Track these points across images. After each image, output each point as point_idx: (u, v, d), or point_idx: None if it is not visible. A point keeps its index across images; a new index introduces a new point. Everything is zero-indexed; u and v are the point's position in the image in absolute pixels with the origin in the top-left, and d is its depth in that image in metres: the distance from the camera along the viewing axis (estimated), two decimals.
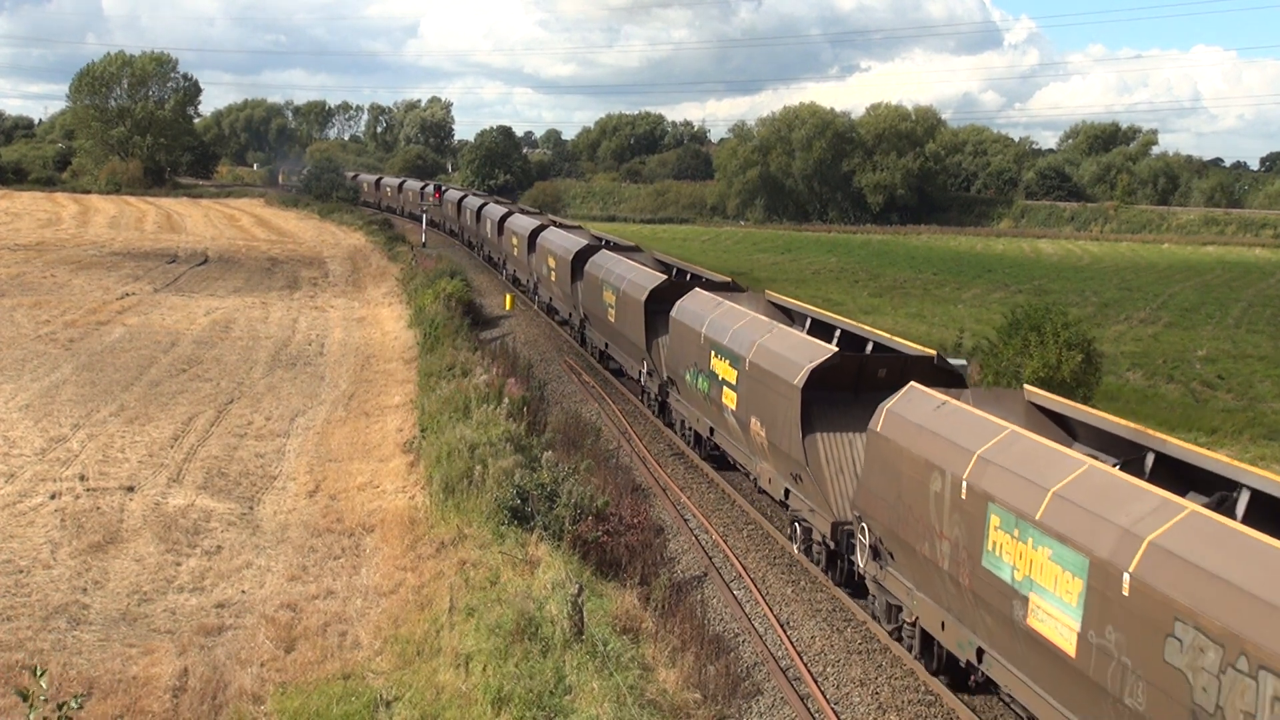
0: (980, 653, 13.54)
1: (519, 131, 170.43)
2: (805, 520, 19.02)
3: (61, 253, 60.80)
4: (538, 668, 13.80)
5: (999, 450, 13.03)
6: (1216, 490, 11.60)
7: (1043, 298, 49.34)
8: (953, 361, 19.39)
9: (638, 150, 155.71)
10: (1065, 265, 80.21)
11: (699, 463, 25.55)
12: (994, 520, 12.66)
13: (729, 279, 30.84)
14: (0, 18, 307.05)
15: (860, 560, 16.83)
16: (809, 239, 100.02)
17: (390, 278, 54.53)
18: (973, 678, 14.32)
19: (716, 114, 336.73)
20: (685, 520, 21.75)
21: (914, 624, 15.43)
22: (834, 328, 21.99)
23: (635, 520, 19.60)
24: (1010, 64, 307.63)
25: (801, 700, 14.80)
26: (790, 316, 24.00)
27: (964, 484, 13.19)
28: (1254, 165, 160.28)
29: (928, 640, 15.21)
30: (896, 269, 72.97)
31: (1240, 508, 11.10)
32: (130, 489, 21.36)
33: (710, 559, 19.75)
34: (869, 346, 20.21)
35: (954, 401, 14.94)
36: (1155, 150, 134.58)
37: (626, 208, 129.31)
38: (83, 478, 21.81)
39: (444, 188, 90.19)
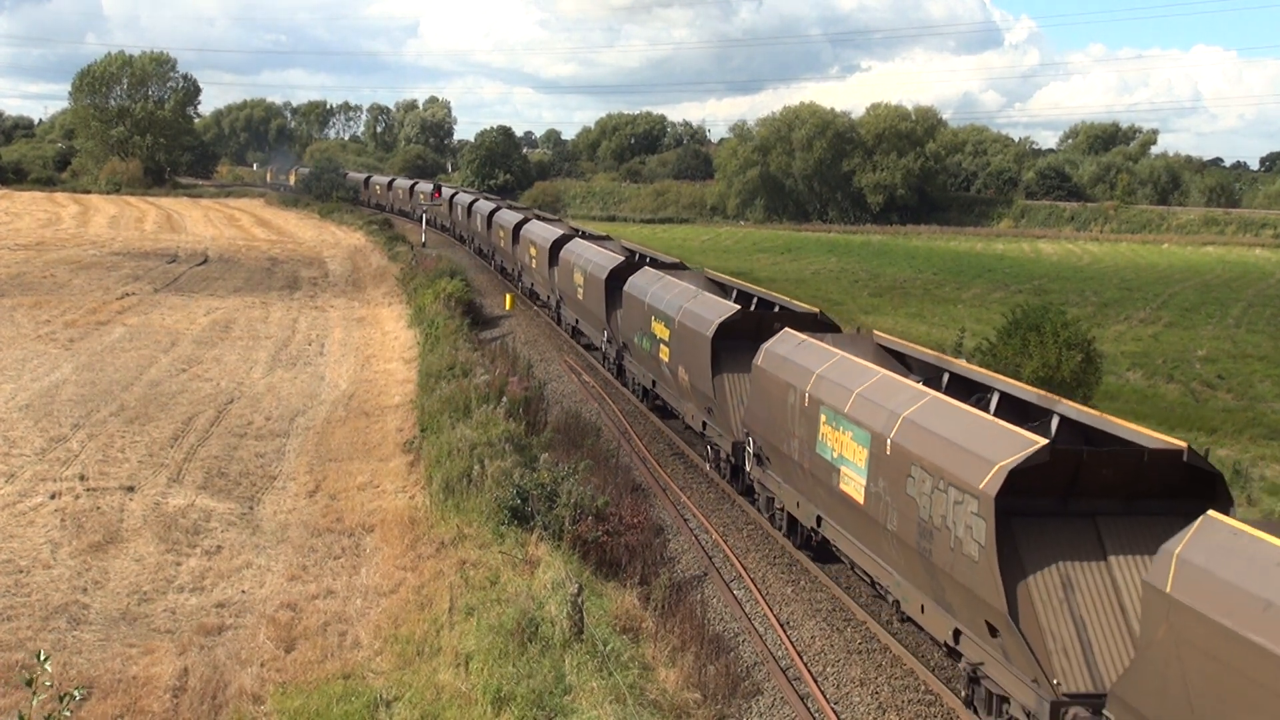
0: (819, 520, 18.45)
1: (519, 131, 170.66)
2: (715, 444, 23.77)
3: (61, 252, 60.81)
4: (537, 667, 13.81)
5: (830, 369, 18.02)
6: (990, 396, 16.66)
7: (1043, 297, 49.33)
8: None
9: (638, 150, 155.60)
10: (1065, 265, 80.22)
11: (645, 411, 30.16)
12: (823, 418, 17.61)
13: (678, 260, 35.29)
14: (0, 18, 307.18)
15: (748, 466, 21.46)
16: (809, 239, 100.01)
17: (390, 277, 54.53)
18: (814, 539, 19.08)
19: (717, 114, 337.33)
20: (685, 520, 21.75)
21: (782, 509, 20.05)
22: (753, 295, 26.80)
23: (635, 520, 19.60)
24: (1010, 64, 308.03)
25: (801, 700, 14.81)
26: (723, 289, 28.43)
27: (806, 395, 18.23)
28: (1254, 165, 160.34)
29: (793, 521, 19.81)
30: (896, 269, 72.96)
31: (992, 404, 16.32)
32: (130, 489, 21.36)
33: (710, 559, 19.75)
34: (775, 308, 25.09)
35: (811, 339, 19.57)
36: (1155, 150, 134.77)
37: (627, 208, 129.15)
38: (83, 477, 21.81)
39: (437, 186, 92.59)
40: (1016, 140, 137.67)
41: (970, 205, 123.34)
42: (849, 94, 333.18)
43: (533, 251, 47.73)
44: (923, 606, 15.12)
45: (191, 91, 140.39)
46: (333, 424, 27.35)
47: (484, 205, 66.88)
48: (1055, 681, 12.14)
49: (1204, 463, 12.96)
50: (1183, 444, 13.10)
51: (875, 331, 21.09)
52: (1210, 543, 10.16)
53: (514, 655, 14.02)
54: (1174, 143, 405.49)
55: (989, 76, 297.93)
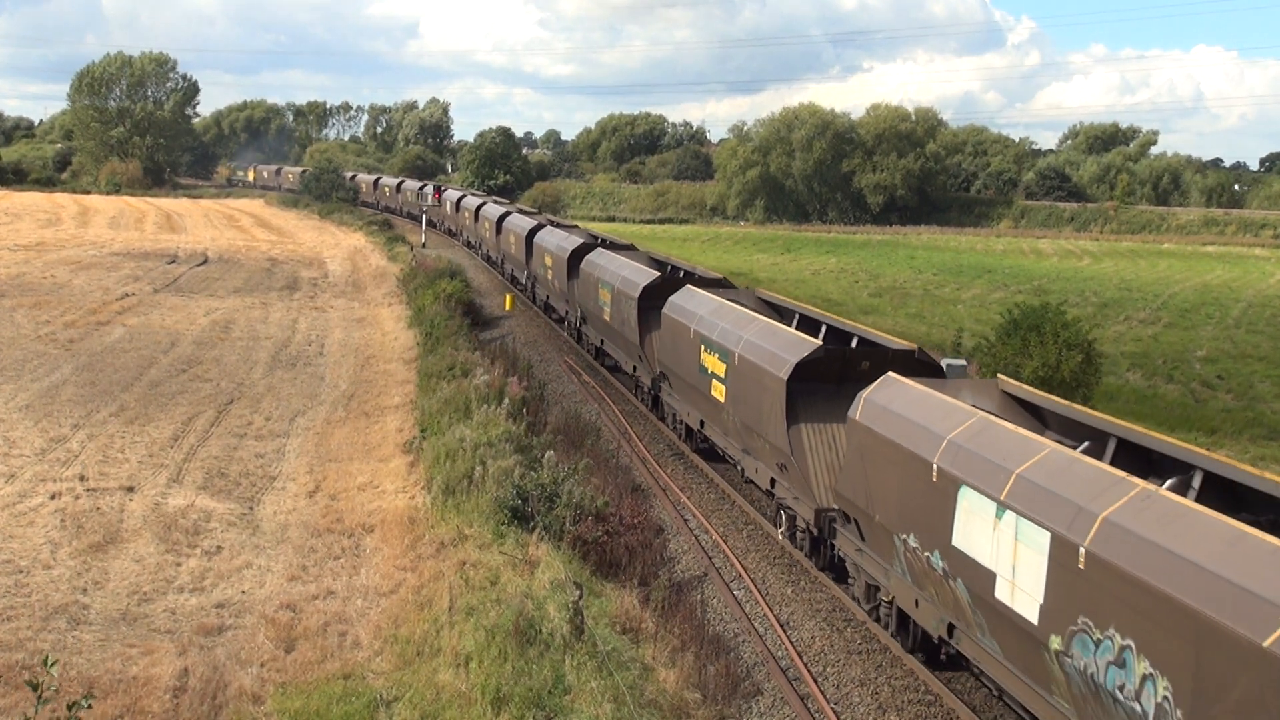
0: (602, 341, 34.73)
1: (519, 132, 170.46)
2: (551, 305, 43.82)
3: (61, 253, 60.81)
4: (537, 668, 13.81)
5: (610, 259, 33.96)
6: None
7: (1042, 297, 49.28)
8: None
9: (638, 151, 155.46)
10: (1065, 267, 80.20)
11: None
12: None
13: (575, 224, 50.24)
14: (0, 18, 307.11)
15: (580, 325, 38.14)
16: (809, 239, 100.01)
17: (390, 278, 54.53)
18: (603, 361, 35.64)
19: (717, 114, 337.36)
20: (685, 520, 21.76)
21: (591, 343, 37.07)
22: (602, 235, 44.73)
23: (635, 520, 19.62)
24: (1011, 64, 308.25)
25: (801, 700, 14.81)
26: (601, 241, 41.61)
27: (615, 289, 31.71)
28: (1254, 165, 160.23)
29: (600, 352, 35.93)
30: (896, 269, 72.94)
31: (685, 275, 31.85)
32: (130, 489, 21.37)
33: (710, 559, 19.75)
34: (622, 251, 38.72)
35: (609, 252, 35.12)
36: (1155, 150, 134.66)
37: (626, 208, 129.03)
38: (83, 478, 21.82)
39: (403, 181, 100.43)
40: (1016, 141, 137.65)
41: (970, 206, 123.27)
42: (850, 94, 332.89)
43: (487, 225, 57.72)
44: (631, 366, 31.40)
45: (191, 92, 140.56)
46: (332, 424, 27.35)
47: (452, 194, 77.18)
48: (656, 369, 27.97)
49: (751, 291, 27.57)
50: (721, 275, 30.21)
51: (670, 256, 37.94)
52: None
53: (513, 655, 14.02)
54: (1175, 143, 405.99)
55: (990, 77, 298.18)
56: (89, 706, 7.30)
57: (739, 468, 22.47)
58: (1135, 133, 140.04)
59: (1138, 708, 10.28)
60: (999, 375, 17.34)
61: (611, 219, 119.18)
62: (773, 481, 20.25)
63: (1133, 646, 10.41)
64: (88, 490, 21.14)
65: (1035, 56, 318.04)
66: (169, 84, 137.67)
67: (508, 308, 45.99)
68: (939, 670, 15.67)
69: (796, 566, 19.64)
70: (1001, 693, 13.99)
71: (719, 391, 22.61)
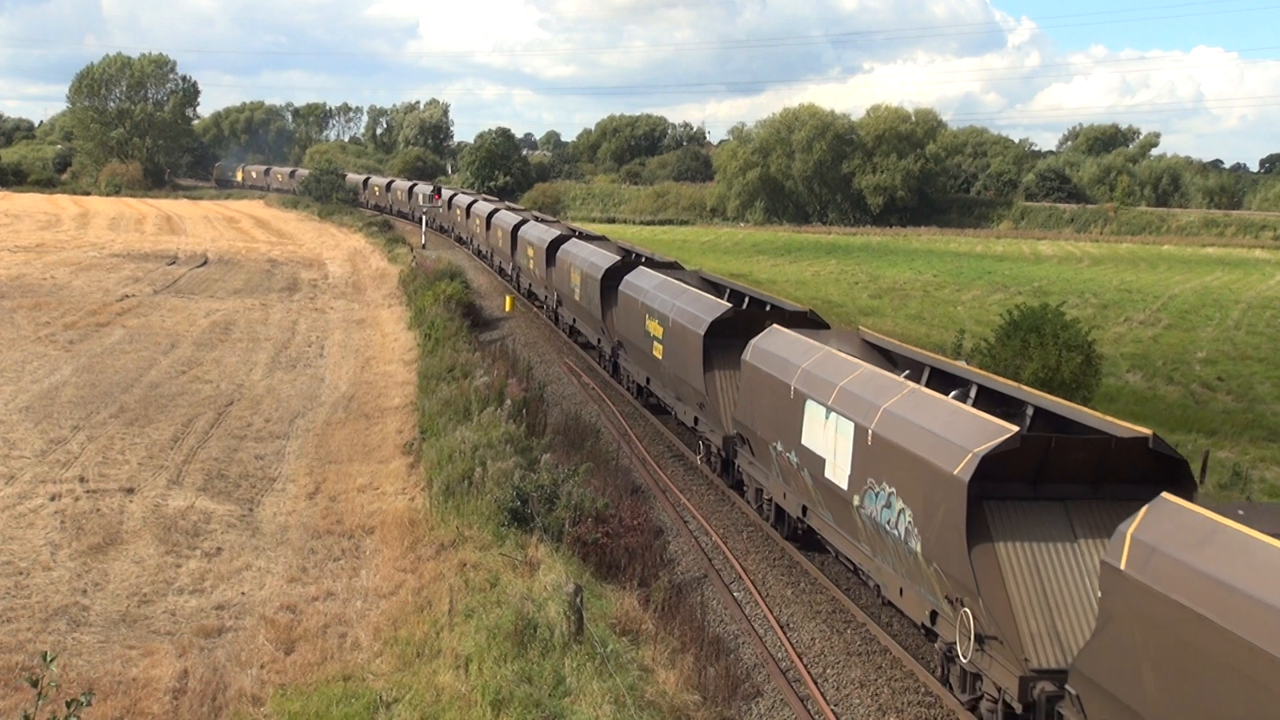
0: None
1: (519, 133, 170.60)
2: (533, 292, 47.41)
3: (61, 254, 60.81)
4: (537, 669, 13.81)
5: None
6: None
7: (1042, 299, 49.25)
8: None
9: (638, 152, 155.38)
10: (1064, 268, 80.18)
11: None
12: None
13: (557, 220, 58.09)
14: (0, 18, 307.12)
15: (554, 307, 42.68)
16: (809, 240, 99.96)
17: (390, 279, 54.52)
18: (552, 314, 43.19)
19: (717, 115, 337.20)
20: (685, 521, 21.75)
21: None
22: (579, 229, 49.82)
23: (635, 522, 19.61)
24: (1012, 65, 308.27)
25: (801, 702, 14.81)
26: (577, 234, 45.47)
27: (587, 278, 34.78)
28: (1254, 167, 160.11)
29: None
30: (896, 271, 72.92)
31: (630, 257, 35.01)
32: (130, 491, 21.36)
33: (710, 560, 19.75)
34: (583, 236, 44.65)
35: (575, 240, 40.40)
36: (1155, 151, 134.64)
37: (626, 209, 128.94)
38: (82, 479, 21.81)
39: (391, 180, 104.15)
40: (1016, 142, 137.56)
41: (970, 207, 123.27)
42: (850, 95, 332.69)
43: (478, 222, 64.46)
44: (596, 338, 35.43)
45: (191, 93, 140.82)
46: (333, 426, 27.34)
47: (445, 193, 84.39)
48: (615, 339, 31.26)
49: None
50: (673, 260, 33.33)
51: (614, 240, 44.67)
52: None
53: (514, 657, 14.02)
54: (1176, 144, 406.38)
55: (990, 78, 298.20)
56: (88, 704, 7.28)
57: (673, 413, 27.00)
58: (1135, 134, 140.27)
59: (897, 533, 14.88)
60: (860, 326, 22.03)
61: (611, 220, 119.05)
62: (695, 420, 24.67)
63: (895, 492, 14.95)
64: (87, 492, 21.13)
65: (1035, 57, 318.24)
66: (169, 85, 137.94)
67: (507, 309, 46.00)
68: (806, 550, 19.73)
69: (797, 568, 19.65)
70: (838, 554, 18.00)
71: (659, 351, 26.65)
